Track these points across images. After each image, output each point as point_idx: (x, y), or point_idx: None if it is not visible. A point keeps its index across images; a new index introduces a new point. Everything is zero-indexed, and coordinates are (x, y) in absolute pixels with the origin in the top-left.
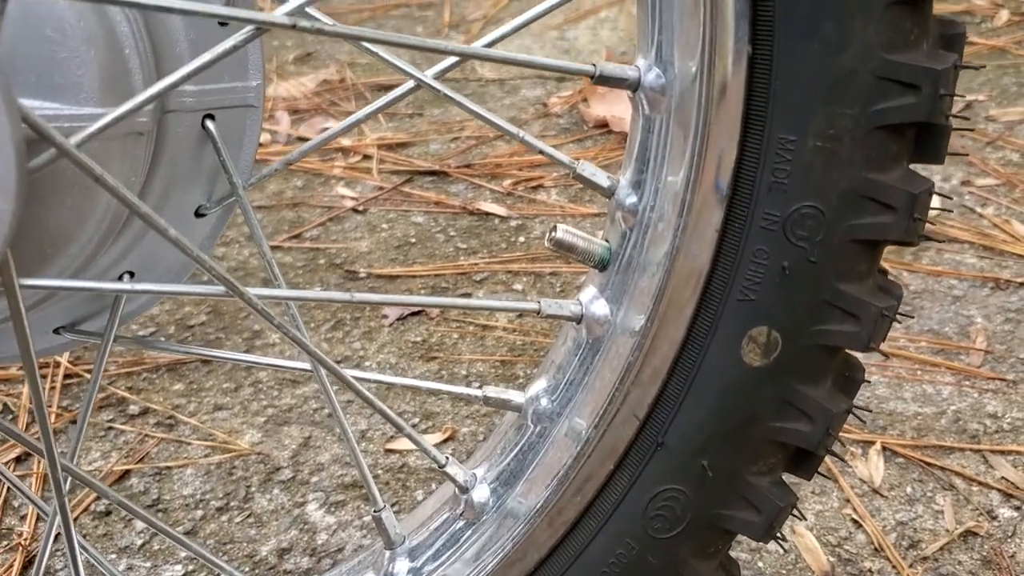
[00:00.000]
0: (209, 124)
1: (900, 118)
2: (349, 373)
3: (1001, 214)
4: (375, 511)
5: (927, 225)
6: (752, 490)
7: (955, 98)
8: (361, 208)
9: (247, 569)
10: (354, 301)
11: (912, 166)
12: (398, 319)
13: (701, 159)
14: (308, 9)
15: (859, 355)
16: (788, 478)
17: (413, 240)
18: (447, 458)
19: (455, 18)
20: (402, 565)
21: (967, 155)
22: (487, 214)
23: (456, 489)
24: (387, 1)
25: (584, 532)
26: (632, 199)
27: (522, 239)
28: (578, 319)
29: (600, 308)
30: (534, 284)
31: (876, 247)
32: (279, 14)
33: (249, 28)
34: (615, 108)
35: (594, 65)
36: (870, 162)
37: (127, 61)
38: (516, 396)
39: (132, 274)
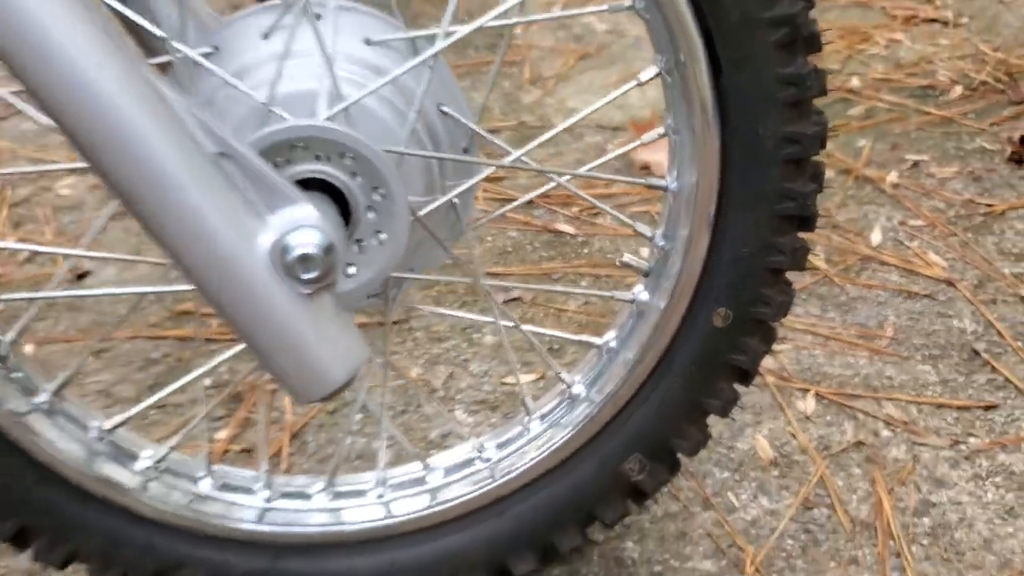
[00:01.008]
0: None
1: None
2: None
3: (922, 247)
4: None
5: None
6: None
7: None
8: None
9: (422, 446)
10: (482, 285)
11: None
12: (503, 302)
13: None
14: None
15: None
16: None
17: (510, 250)
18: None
19: (534, 75)
20: None
21: (907, 203)
22: (561, 232)
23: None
24: (480, 59)
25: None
26: (661, 243)
27: (586, 251)
28: (632, 301)
29: (643, 295)
30: (594, 282)
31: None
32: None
33: None
34: (657, 156)
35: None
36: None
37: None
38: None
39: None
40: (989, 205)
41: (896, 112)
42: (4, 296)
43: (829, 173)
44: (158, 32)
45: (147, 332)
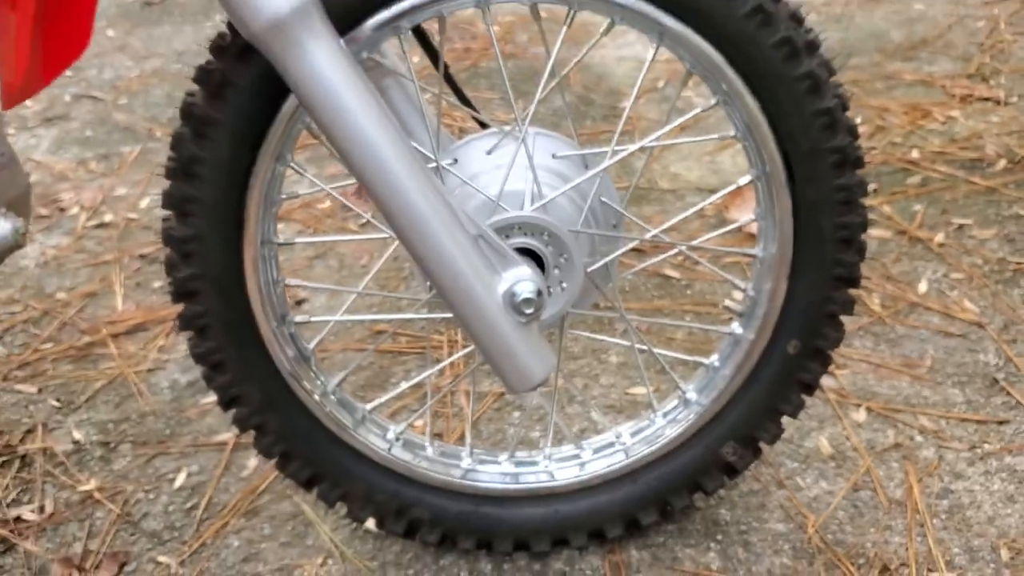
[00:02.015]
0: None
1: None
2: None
3: (960, 296)
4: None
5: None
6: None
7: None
8: None
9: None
10: (627, 319)
11: None
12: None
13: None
14: None
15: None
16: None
17: (627, 289)
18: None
19: (626, 125)
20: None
21: (950, 259)
22: (669, 276)
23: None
24: (597, 129)
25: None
26: (751, 293)
27: (689, 292)
28: (730, 334)
29: (738, 329)
30: (696, 317)
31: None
32: None
33: None
34: (748, 215)
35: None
36: None
37: None
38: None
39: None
40: (1018, 263)
41: (948, 181)
42: (314, 318)
43: (887, 233)
44: (428, 153)
45: (354, 345)
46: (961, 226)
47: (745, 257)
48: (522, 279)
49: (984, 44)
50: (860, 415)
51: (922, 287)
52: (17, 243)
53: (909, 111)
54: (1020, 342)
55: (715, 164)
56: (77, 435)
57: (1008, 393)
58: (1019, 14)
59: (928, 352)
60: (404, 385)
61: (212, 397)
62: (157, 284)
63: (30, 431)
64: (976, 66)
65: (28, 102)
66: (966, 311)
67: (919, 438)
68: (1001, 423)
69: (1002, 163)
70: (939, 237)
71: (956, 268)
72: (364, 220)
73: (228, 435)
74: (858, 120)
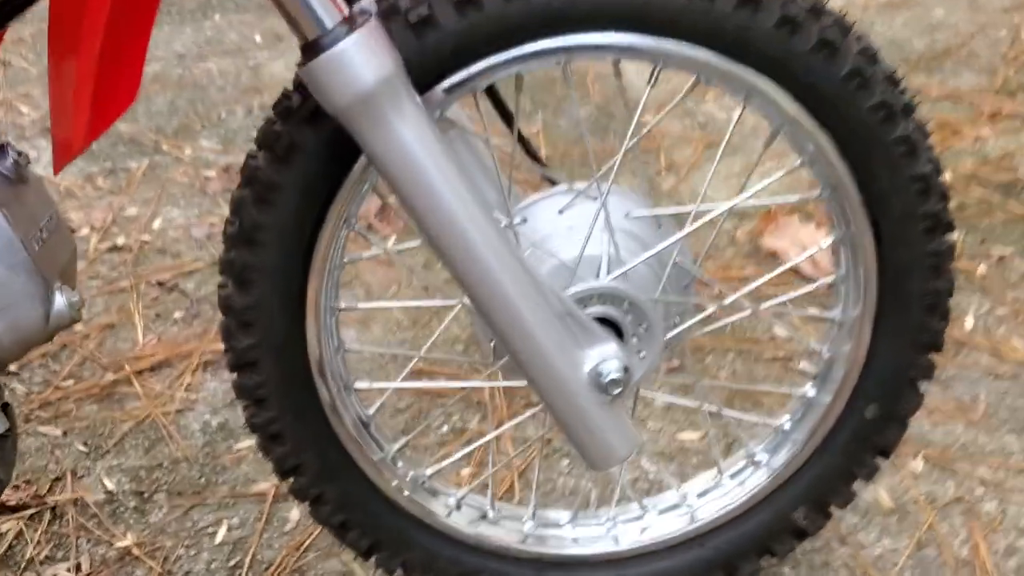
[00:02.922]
0: None
1: None
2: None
3: (1007, 332)
4: None
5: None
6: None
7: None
8: None
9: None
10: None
11: None
12: (669, 369)
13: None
14: None
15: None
16: None
17: None
18: None
19: (668, 162)
20: None
21: (994, 293)
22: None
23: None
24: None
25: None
26: (827, 354)
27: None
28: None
29: (811, 392)
30: (738, 355)
31: None
32: None
33: None
34: (782, 242)
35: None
36: None
37: None
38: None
39: None
40: None
41: (983, 207)
42: (375, 384)
43: None
44: (498, 213)
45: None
46: (1002, 257)
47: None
48: (608, 358)
49: (1007, 55)
50: (918, 464)
51: (968, 323)
52: (73, 319)
53: (938, 130)
54: None
55: (742, 183)
56: (109, 484)
57: None
58: None
59: (980, 395)
60: (464, 450)
61: (246, 442)
62: (177, 315)
63: (58, 479)
64: (1002, 79)
65: (24, 108)
66: (1016, 350)
67: (980, 491)
68: None
69: None
70: (981, 269)
71: (1000, 302)
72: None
73: (267, 484)
74: None
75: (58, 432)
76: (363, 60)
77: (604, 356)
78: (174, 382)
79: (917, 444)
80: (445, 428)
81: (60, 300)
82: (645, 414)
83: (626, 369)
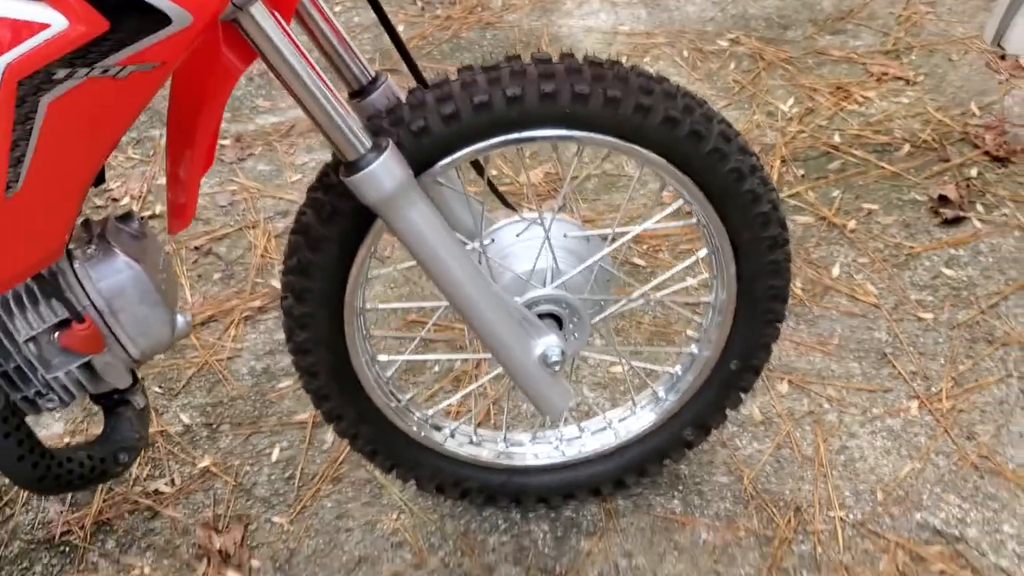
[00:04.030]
0: None
1: None
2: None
3: (864, 279)
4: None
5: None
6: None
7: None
8: None
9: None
10: (619, 351)
11: None
12: None
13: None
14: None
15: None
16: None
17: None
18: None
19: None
20: None
21: (859, 245)
22: (636, 264)
23: None
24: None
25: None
26: (707, 326)
27: (652, 278)
28: (691, 354)
29: (695, 350)
30: (659, 304)
31: None
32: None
33: None
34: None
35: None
36: None
37: None
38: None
39: None
40: (911, 247)
41: (862, 167)
42: (392, 358)
43: (810, 219)
44: (469, 244)
45: (396, 334)
46: (870, 212)
47: (694, 231)
48: (551, 346)
49: (900, 17)
50: (783, 387)
51: (835, 271)
52: (188, 333)
53: (835, 91)
54: (906, 321)
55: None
56: (184, 418)
57: (893, 365)
58: None
59: (837, 331)
60: (455, 396)
61: (286, 383)
62: (216, 276)
63: None
64: (893, 41)
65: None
66: (867, 293)
67: (826, 405)
68: (886, 391)
69: (906, 148)
70: (852, 223)
71: (863, 253)
72: None
73: (306, 415)
74: (790, 102)
75: None
76: (386, 174)
77: (548, 345)
78: (222, 334)
79: (783, 371)
80: (436, 368)
81: (181, 320)
82: (585, 356)
83: (563, 352)
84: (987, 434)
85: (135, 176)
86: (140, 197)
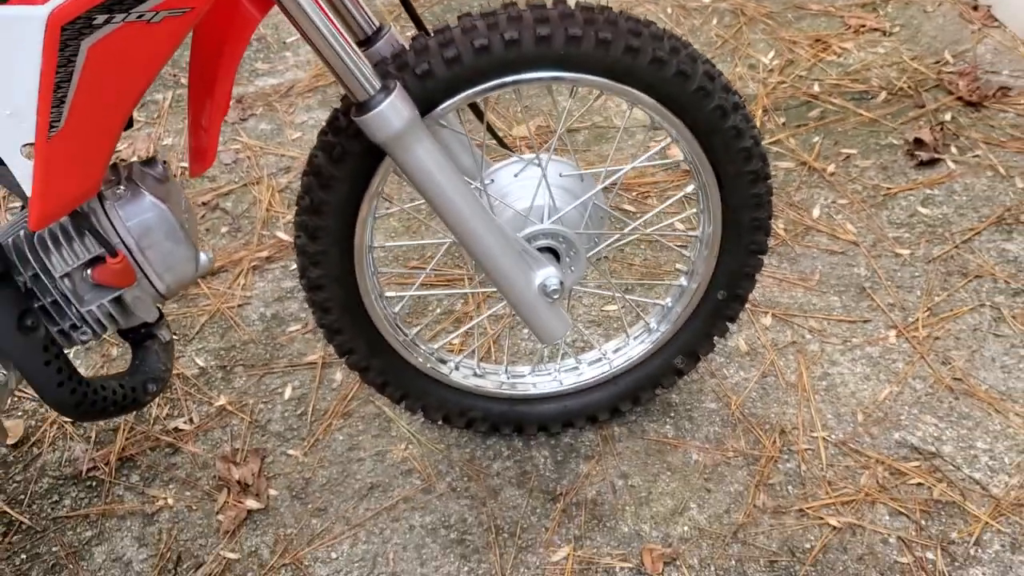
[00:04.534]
0: None
1: None
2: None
3: (843, 219)
4: None
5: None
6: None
7: (841, 152)
8: None
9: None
10: (612, 283)
11: None
12: None
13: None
14: None
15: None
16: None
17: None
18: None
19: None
20: None
21: (838, 187)
22: (626, 210)
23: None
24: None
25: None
26: (694, 258)
27: (641, 224)
28: (680, 285)
29: (684, 282)
30: (649, 244)
31: None
32: None
33: None
34: None
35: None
36: None
37: None
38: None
39: None
40: (888, 188)
41: (840, 114)
42: (399, 294)
43: (791, 164)
44: (472, 183)
45: (398, 280)
46: (848, 156)
47: (682, 175)
48: (550, 276)
49: None
50: (767, 320)
51: (815, 212)
52: (211, 270)
53: (813, 44)
54: (883, 257)
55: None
56: (199, 361)
57: (872, 298)
58: None
59: (817, 268)
60: (459, 330)
61: (294, 327)
62: (224, 230)
63: None
64: None
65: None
66: (847, 232)
67: (808, 336)
68: (865, 322)
69: (883, 95)
70: (831, 167)
71: (842, 195)
72: None
73: (315, 356)
74: (771, 55)
75: None
76: (395, 113)
77: (547, 276)
78: (232, 283)
79: (768, 306)
80: (438, 310)
81: (203, 257)
82: (581, 292)
83: (561, 283)
84: (961, 359)
85: (141, 137)
86: (147, 156)
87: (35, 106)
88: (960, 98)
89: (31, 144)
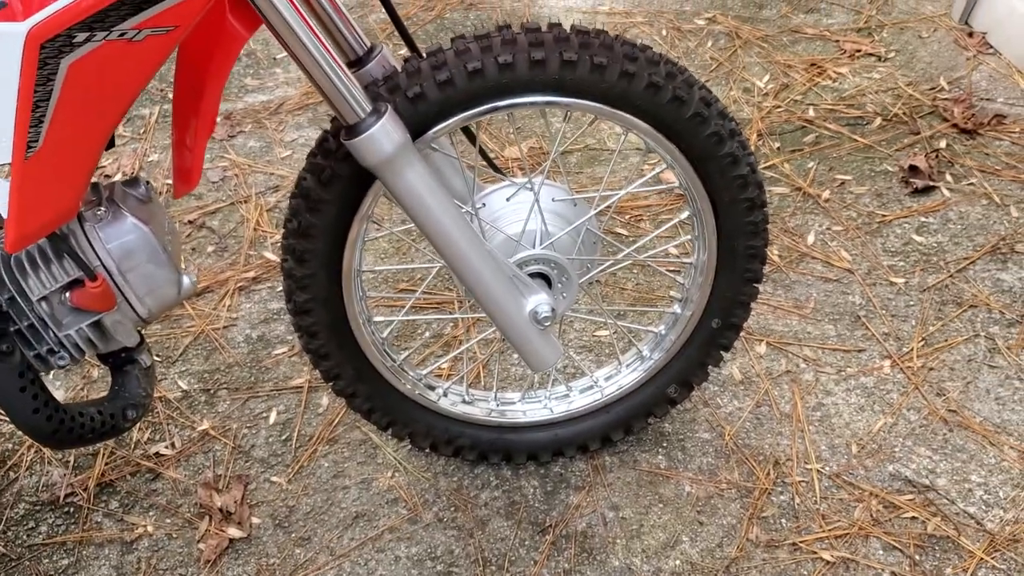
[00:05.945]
0: None
1: None
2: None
3: (838, 246)
4: None
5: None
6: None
7: (836, 178)
8: None
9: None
10: (605, 310)
11: None
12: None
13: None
14: None
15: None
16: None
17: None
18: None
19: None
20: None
21: (833, 214)
22: (619, 233)
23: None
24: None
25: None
26: (688, 286)
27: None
28: (673, 313)
29: (678, 309)
30: (641, 270)
31: None
32: None
33: None
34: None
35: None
36: None
37: None
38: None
39: None
40: (883, 215)
41: (835, 139)
42: (387, 319)
43: (786, 190)
44: (464, 207)
45: (387, 303)
46: (843, 182)
47: (676, 200)
48: (541, 303)
49: None
50: (762, 348)
51: (810, 239)
52: (194, 293)
53: (809, 68)
54: (878, 285)
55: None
56: (182, 384)
57: (866, 327)
58: None
59: (812, 295)
60: (447, 356)
61: (281, 349)
62: (210, 249)
63: None
64: (865, 19)
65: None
66: (841, 259)
67: (803, 365)
68: (860, 351)
69: (878, 121)
70: (825, 194)
71: (837, 221)
72: None
73: (302, 380)
74: (766, 78)
75: None
76: (386, 137)
77: (538, 303)
78: (218, 304)
79: (762, 334)
80: (427, 334)
81: (186, 280)
82: (572, 317)
83: (553, 309)
84: (956, 390)
85: (127, 153)
86: (132, 174)
87: (12, 126)
88: (955, 125)
89: (7, 165)
